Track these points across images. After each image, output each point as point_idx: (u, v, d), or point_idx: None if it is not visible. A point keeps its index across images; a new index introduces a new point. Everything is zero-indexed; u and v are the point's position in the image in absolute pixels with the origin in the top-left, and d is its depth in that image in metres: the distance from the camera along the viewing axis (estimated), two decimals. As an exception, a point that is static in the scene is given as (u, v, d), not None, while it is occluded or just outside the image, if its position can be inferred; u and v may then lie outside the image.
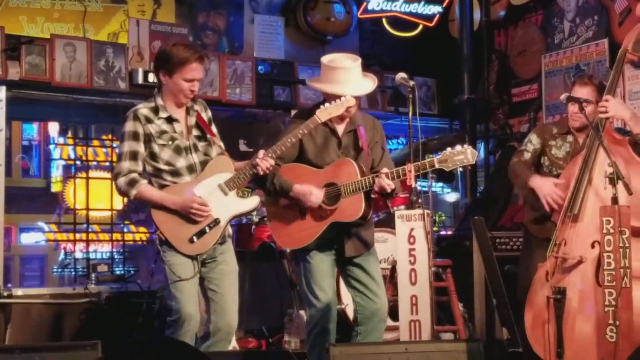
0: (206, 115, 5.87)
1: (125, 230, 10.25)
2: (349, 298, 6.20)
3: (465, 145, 5.81)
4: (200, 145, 5.76)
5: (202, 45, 10.01)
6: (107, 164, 10.21)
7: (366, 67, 6.15)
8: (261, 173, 5.62)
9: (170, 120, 5.68)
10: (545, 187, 6.32)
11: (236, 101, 9.61)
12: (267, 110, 10.03)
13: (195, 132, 5.76)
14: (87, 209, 9.62)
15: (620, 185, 5.68)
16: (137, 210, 10.24)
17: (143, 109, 5.69)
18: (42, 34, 9.26)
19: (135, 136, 5.62)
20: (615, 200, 5.69)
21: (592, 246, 5.96)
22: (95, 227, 10.11)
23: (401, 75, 5.98)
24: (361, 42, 11.00)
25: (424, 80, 10.87)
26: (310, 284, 5.92)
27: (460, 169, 6.86)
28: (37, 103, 9.10)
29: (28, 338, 7.56)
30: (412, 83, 5.88)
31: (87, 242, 9.74)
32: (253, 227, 8.30)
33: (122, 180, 5.59)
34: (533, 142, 6.70)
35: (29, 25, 9.35)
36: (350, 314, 6.47)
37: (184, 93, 5.65)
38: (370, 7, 10.61)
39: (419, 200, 5.84)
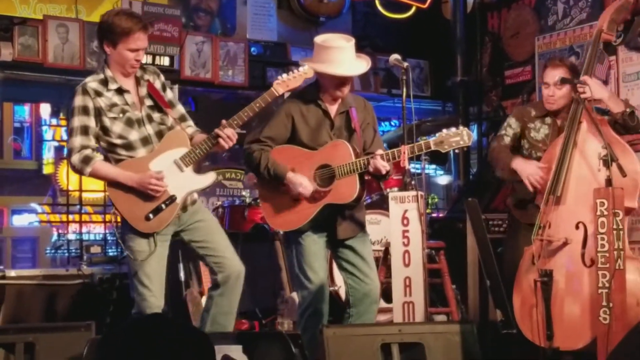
0: (159, 82, 5.74)
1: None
2: (342, 280, 6.21)
3: (461, 127, 5.82)
4: (155, 115, 5.64)
5: (195, 27, 9.99)
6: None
7: (359, 49, 6.14)
8: (223, 144, 5.54)
9: (120, 91, 5.55)
10: (528, 168, 6.35)
11: (229, 83, 9.61)
12: (260, 92, 9.99)
13: (148, 102, 5.64)
14: (80, 190, 9.60)
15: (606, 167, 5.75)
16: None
17: (92, 82, 5.53)
18: (35, 15, 9.22)
19: (85, 110, 5.47)
20: (609, 182, 5.70)
21: (577, 227, 6.00)
22: (88, 209, 10.10)
23: (395, 56, 5.96)
24: (354, 23, 10.99)
25: (417, 62, 10.89)
26: (303, 265, 5.91)
27: (455, 151, 6.84)
28: (29, 84, 9.10)
29: (21, 319, 7.56)
30: (405, 64, 5.86)
31: (80, 223, 9.73)
32: (246, 208, 8.30)
33: (75, 158, 5.44)
34: (512, 125, 6.70)
35: (22, 6, 9.31)
36: (343, 295, 6.48)
37: (129, 63, 5.52)
38: (363, -12, 10.62)
39: (413, 182, 5.84)
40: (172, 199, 5.52)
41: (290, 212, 5.90)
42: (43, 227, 10.67)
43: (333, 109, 5.97)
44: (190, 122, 5.82)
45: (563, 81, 6.29)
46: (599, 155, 5.80)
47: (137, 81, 5.65)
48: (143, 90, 5.64)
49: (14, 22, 8.47)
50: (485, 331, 6.44)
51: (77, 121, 5.46)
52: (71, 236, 9.85)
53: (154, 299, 5.53)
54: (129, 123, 5.53)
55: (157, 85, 5.71)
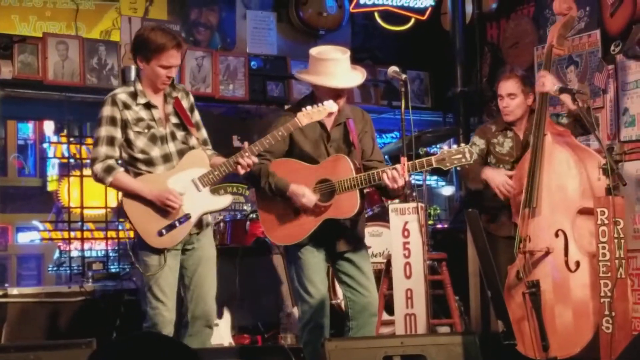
0: (187, 101, 5.80)
1: (120, 227, 10.23)
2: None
3: (462, 145, 5.84)
4: (179, 134, 5.70)
5: (195, 42, 10.00)
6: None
7: (359, 61, 6.18)
8: (241, 172, 5.59)
9: (148, 106, 5.63)
10: (498, 178, 6.59)
11: (229, 97, 9.61)
12: (261, 105, 10.02)
13: (173, 119, 5.70)
14: (82, 207, 9.60)
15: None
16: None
17: (121, 94, 5.62)
18: (35, 32, 9.24)
19: (112, 121, 5.56)
20: (609, 190, 5.74)
21: (556, 235, 6.15)
22: (90, 225, 10.10)
23: (393, 68, 5.98)
24: (353, 36, 10.99)
25: (417, 73, 10.88)
26: (302, 279, 5.91)
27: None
28: (30, 102, 9.10)
29: (24, 337, 7.54)
30: (404, 76, 5.88)
31: (82, 240, 9.73)
32: (247, 222, 8.30)
33: (98, 167, 5.54)
34: (477, 143, 6.92)
35: (21, 23, 9.34)
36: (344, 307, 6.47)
37: (160, 80, 5.59)
38: (362, 1, 10.60)
39: (413, 194, 5.84)
40: (186, 217, 5.58)
41: (290, 226, 5.90)
42: (47, 245, 10.68)
43: (329, 121, 5.97)
44: (210, 147, 5.86)
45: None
46: (599, 164, 5.86)
47: (165, 98, 5.71)
48: (169, 107, 5.71)
49: (13, 40, 8.48)
50: (487, 342, 6.43)
51: (104, 131, 5.56)
52: (73, 253, 9.85)
53: (168, 312, 5.59)
54: (153, 139, 5.61)
55: (185, 104, 5.78)
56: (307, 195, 5.79)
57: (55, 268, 10.21)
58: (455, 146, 5.85)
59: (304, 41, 10.48)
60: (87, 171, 9.85)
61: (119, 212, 9.63)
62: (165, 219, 5.55)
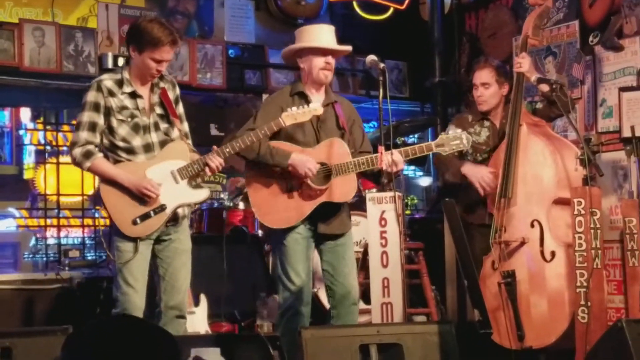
0: (173, 93, 5.81)
1: (96, 215, 10.20)
2: (322, 282, 6.22)
3: (460, 131, 5.97)
4: (162, 125, 5.70)
5: (172, 30, 9.96)
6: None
7: (336, 51, 6.18)
8: (209, 174, 5.64)
9: (133, 95, 5.62)
10: (478, 173, 6.62)
11: (207, 85, 9.59)
12: (238, 94, 10.01)
13: (158, 110, 5.70)
14: (58, 194, 9.55)
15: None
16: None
17: (108, 80, 5.62)
18: (11, 18, 9.18)
19: (96, 107, 5.55)
20: (586, 181, 5.76)
21: (532, 225, 6.20)
22: (67, 213, 10.06)
23: (371, 57, 5.99)
24: (332, 25, 10.95)
25: (395, 63, 10.88)
26: (285, 266, 5.93)
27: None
28: (6, 88, 9.04)
29: (0, 324, 7.52)
30: (382, 65, 5.88)
31: (59, 227, 9.68)
32: (224, 211, 8.29)
33: (78, 151, 5.53)
34: None
35: (-3, 10, 9.29)
36: (323, 297, 6.47)
37: (150, 72, 5.59)
38: (341, -11, 10.61)
39: (390, 183, 5.85)
40: (162, 207, 5.58)
41: (284, 209, 5.93)
42: (24, 232, 10.62)
43: (318, 102, 5.99)
44: (190, 142, 5.85)
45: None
46: (576, 154, 5.90)
47: (152, 87, 5.70)
48: (155, 97, 5.71)
49: (-11, 26, 8.44)
50: (464, 331, 6.46)
51: (87, 116, 5.56)
52: (50, 241, 9.80)
53: (138, 298, 5.57)
54: (135, 128, 5.60)
55: (171, 95, 5.78)
56: (311, 161, 5.82)
57: (31, 255, 10.15)
58: (452, 132, 5.94)
59: (282, 30, 10.46)
60: (63, 158, 9.83)
61: (95, 199, 9.62)
62: (140, 207, 5.54)
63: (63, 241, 9.64)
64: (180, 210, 5.70)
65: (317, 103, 5.84)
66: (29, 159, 11.35)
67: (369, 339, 5.01)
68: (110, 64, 8.73)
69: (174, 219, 5.68)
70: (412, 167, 10.99)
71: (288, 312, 5.94)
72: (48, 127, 9.95)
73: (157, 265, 5.73)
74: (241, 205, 8.47)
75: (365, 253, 6.93)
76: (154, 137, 5.65)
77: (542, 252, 6.16)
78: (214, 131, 9.70)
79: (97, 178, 5.75)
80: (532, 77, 6.44)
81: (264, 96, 8.64)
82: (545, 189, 6.24)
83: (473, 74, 6.93)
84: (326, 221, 5.95)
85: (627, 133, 7.10)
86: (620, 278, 7.25)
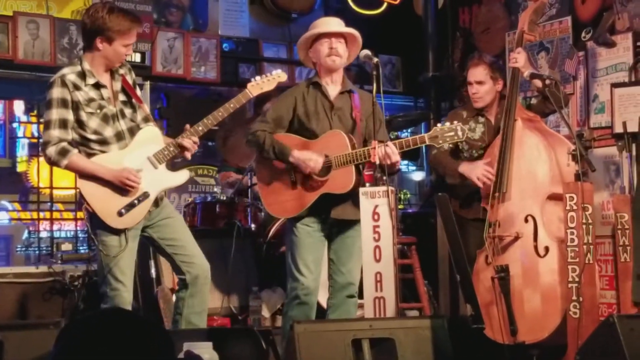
0: (131, 77, 5.77)
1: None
2: (324, 287, 6.26)
3: (455, 122, 5.94)
4: (127, 111, 5.67)
5: (166, 23, 9.94)
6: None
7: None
8: (187, 155, 5.64)
9: (97, 86, 5.56)
10: (476, 169, 6.60)
11: (201, 79, 9.59)
12: (232, 88, 9.99)
13: (121, 97, 5.66)
14: (51, 187, 9.55)
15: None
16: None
17: (70, 74, 5.54)
18: (5, 11, 9.14)
19: (64, 103, 5.47)
20: (578, 176, 5.78)
21: (526, 220, 6.21)
22: (59, 206, 10.05)
23: (365, 52, 6.01)
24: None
25: (388, 58, 10.89)
26: (295, 257, 6.00)
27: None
28: (0, 81, 9.03)
29: (-8, 317, 7.52)
30: (375, 60, 5.89)
31: (51, 220, 9.68)
32: (218, 205, 8.29)
33: (52, 149, 5.44)
34: None
35: (-9, 2, 9.26)
36: (323, 301, 6.49)
37: (120, 58, 5.59)
38: (335, -16, 10.62)
39: (383, 178, 5.86)
40: (145, 195, 5.54)
41: (287, 199, 6.01)
42: (16, 225, 10.61)
43: (334, 90, 6.09)
44: (153, 123, 5.82)
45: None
46: (568, 150, 5.91)
47: (112, 75, 5.66)
48: (117, 85, 5.67)
49: (-17, 18, 8.42)
50: (456, 326, 6.47)
51: (55, 114, 5.46)
52: (43, 234, 9.80)
53: (128, 294, 5.57)
54: (105, 119, 5.54)
55: (129, 80, 5.74)
56: (314, 158, 5.85)
57: (24, 248, 10.15)
58: (448, 123, 5.92)
59: (276, 24, 10.47)
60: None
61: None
62: (124, 198, 5.49)
63: (56, 234, 9.64)
64: (158, 193, 5.67)
65: (279, 70, 5.96)
66: (22, 152, 11.34)
67: (362, 333, 5.01)
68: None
69: (155, 203, 5.66)
70: (405, 162, 10.98)
71: (293, 302, 6.00)
72: (41, 120, 9.92)
73: (162, 247, 5.73)
74: (235, 199, 8.47)
75: (358, 247, 6.94)
76: (122, 124, 5.60)
77: (535, 247, 6.18)
78: (208, 125, 9.68)
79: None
80: (525, 73, 6.45)
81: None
82: (539, 184, 6.26)
83: (467, 71, 6.93)
84: (339, 207, 6.00)
85: (619, 129, 7.14)
86: (612, 273, 7.28)
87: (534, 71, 6.66)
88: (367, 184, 7.15)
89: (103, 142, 5.54)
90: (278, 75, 5.88)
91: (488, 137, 6.77)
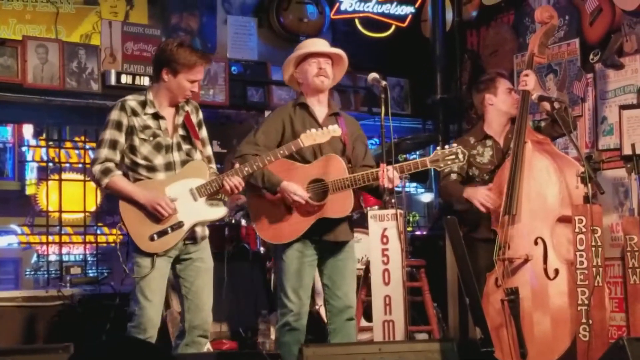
0: (196, 117, 5.87)
1: (98, 232, 10.21)
2: (322, 298, 6.22)
3: (455, 145, 5.92)
4: (185, 145, 5.75)
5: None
6: (80, 165, 10.18)
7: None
8: (227, 190, 5.66)
9: (156, 116, 5.68)
10: (479, 194, 6.58)
11: (209, 102, 9.59)
12: (241, 111, 10.03)
13: (180, 131, 5.75)
14: (60, 211, 9.57)
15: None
16: (111, 212, 10.20)
17: (132, 101, 5.69)
18: (14, 35, 9.19)
19: (118, 126, 5.61)
20: (587, 199, 5.77)
21: (536, 243, 6.19)
22: (69, 229, 10.07)
23: (373, 75, 6.02)
24: (334, 42, 10.82)
25: (397, 80, 10.90)
26: (284, 284, 5.95)
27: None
28: (9, 105, 9.06)
29: (0, 341, 7.52)
30: (384, 83, 5.90)
31: (60, 244, 9.69)
32: (226, 228, 8.29)
33: (97, 168, 5.58)
34: None
35: (1, 26, 9.28)
36: (324, 313, 6.47)
37: (184, 93, 5.68)
38: (342, 7, 10.63)
39: (392, 200, 5.85)
40: (179, 224, 5.61)
41: (282, 225, 5.95)
42: (25, 249, 10.63)
43: (320, 112, 6.09)
44: (213, 165, 5.93)
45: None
46: (577, 172, 5.91)
47: (177, 110, 5.77)
48: (179, 119, 5.77)
49: (-8, 43, 8.46)
50: (465, 349, 6.44)
51: (109, 134, 5.62)
52: (52, 257, 9.81)
53: (154, 313, 5.59)
54: (158, 147, 5.65)
55: (194, 119, 5.84)
56: (299, 193, 5.83)
57: (32, 272, 10.16)
58: (447, 147, 5.90)
59: (284, 47, 10.46)
60: (65, 175, 9.84)
61: (98, 217, 9.62)
62: (158, 224, 5.57)
63: (65, 258, 9.65)
64: (199, 230, 5.73)
65: (335, 126, 5.85)
66: (31, 175, 11.37)
67: (371, 356, 4.99)
68: (113, 81, 8.76)
69: (193, 238, 5.72)
70: (414, 184, 10.98)
71: (284, 328, 5.97)
72: (50, 144, 9.97)
73: (180, 285, 5.77)
74: (243, 222, 8.47)
75: (367, 270, 6.93)
76: (176, 156, 5.70)
77: (545, 270, 6.15)
78: (216, 148, 9.69)
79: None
80: (534, 95, 6.45)
81: (267, 113, 8.64)
82: (549, 207, 6.24)
83: (499, 82, 6.89)
84: (330, 230, 5.96)
85: (627, 150, 7.13)
86: (622, 296, 7.26)
87: (543, 94, 6.67)
88: (375, 207, 7.16)
89: (151, 168, 5.64)
90: (334, 130, 5.81)
91: (497, 159, 6.76)
